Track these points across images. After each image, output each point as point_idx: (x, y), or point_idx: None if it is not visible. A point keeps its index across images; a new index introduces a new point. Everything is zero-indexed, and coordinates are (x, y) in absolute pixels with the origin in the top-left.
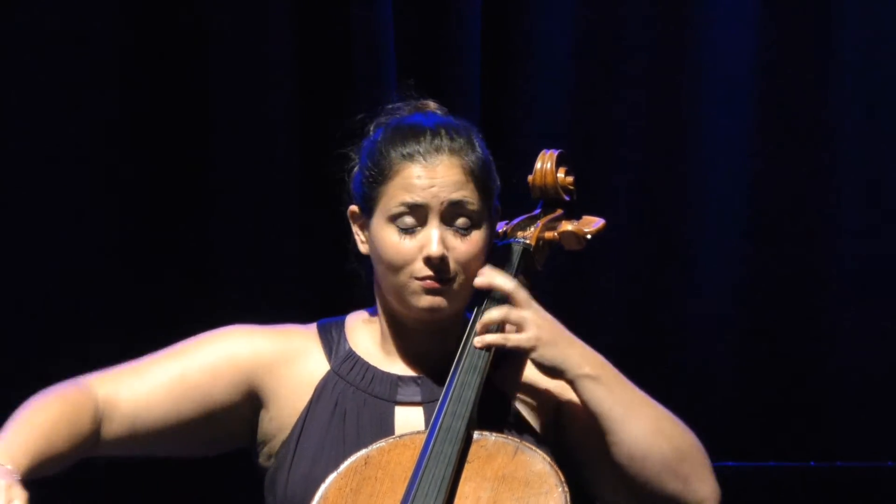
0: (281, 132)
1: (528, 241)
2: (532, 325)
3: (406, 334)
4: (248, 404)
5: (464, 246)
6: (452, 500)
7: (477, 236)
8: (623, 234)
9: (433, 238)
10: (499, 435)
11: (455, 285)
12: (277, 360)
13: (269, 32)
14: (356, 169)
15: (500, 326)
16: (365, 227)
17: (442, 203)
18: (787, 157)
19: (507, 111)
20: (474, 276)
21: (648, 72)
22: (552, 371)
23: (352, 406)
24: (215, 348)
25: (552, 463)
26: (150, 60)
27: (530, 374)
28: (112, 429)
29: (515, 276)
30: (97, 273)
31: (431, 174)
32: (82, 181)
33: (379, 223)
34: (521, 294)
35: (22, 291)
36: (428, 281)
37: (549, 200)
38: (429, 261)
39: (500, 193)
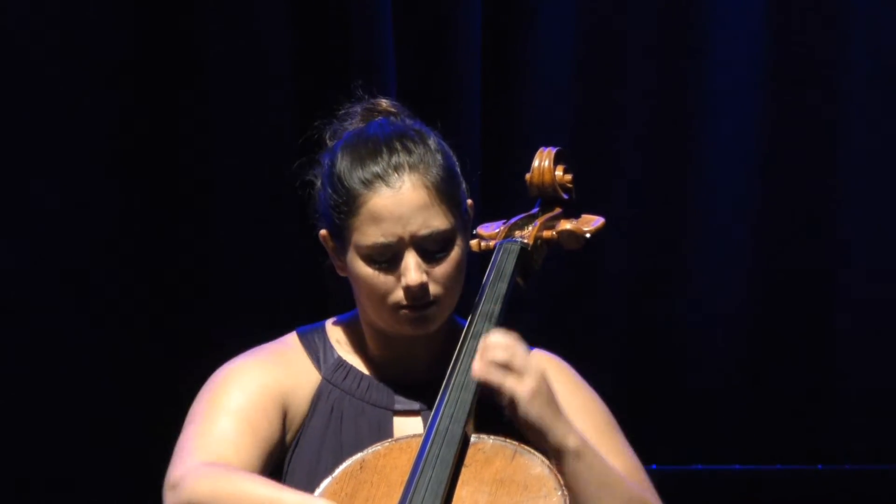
0: (280, 133)
1: (525, 241)
2: (532, 377)
3: (391, 344)
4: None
5: (441, 268)
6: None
7: (454, 254)
8: (623, 235)
9: (411, 267)
10: (496, 438)
11: (439, 306)
12: (284, 384)
13: (268, 34)
14: (319, 190)
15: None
16: (340, 252)
17: (413, 236)
18: (791, 156)
19: (508, 111)
20: (456, 290)
21: (649, 72)
22: (534, 430)
23: (349, 414)
24: (243, 390)
25: (551, 466)
26: (150, 61)
27: None
28: None
29: (512, 276)
30: (96, 275)
31: (397, 202)
32: (81, 181)
33: (354, 258)
34: (521, 351)
35: (19, 292)
36: (412, 310)
37: (547, 199)
38: (409, 289)
39: (466, 191)
